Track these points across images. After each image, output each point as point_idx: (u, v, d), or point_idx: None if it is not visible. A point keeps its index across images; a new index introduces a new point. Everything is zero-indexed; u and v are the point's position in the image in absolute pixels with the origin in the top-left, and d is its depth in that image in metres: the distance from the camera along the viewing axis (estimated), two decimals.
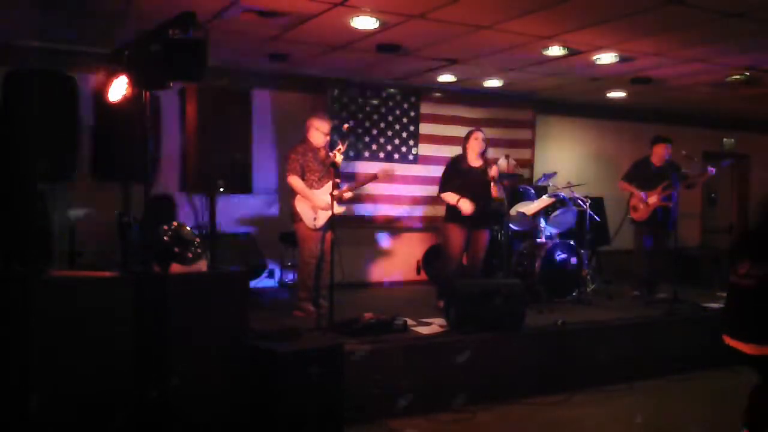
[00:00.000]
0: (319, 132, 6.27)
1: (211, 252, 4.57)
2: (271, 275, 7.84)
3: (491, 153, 8.96)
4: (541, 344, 5.76)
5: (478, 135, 6.58)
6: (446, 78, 8.30)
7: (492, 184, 6.48)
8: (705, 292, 7.80)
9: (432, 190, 6.76)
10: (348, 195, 6.45)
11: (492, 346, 5.54)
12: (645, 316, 6.69)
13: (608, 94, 9.25)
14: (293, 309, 6.34)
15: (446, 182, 6.63)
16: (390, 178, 7.17)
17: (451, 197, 6.48)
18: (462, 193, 6.45)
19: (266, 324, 5.20)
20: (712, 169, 7.66)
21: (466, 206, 6.38)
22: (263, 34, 6.34)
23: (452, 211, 6.53)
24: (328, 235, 6.11)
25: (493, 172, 6.45)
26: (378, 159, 8.65)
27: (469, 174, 6.54)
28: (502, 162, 7.93)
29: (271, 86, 8.17)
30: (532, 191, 8.00)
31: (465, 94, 9.15)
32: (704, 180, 7.82)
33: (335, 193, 5.82)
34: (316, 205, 6.10)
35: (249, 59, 7.44)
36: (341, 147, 6.23)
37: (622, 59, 7.06)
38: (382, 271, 8.88)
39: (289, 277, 7.84)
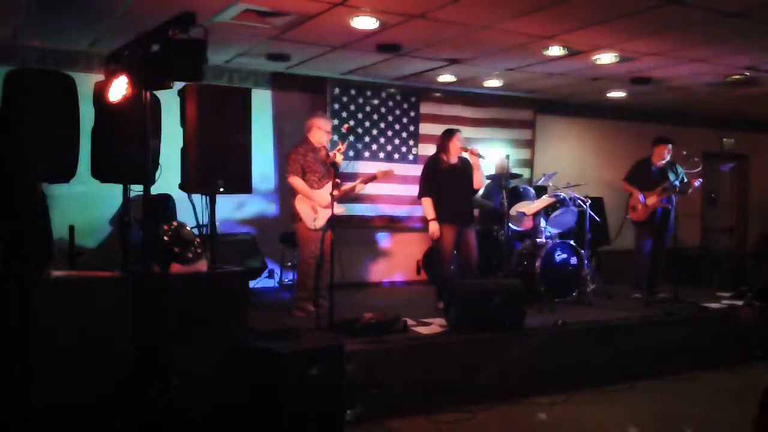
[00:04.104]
0: (321, 131, 6.27)
1: (211, 252, 4.57)
2: (271, 275, 7.84)
3: (491, 153, 9.03)
4: (541, 344, 5.76)
5: (460, 135, 6.71)
6: (446, 78, 8.30)
7: (475, 173, 6.60)
8: (705, 292, 7.80)
9: None
10: (345, 188, 6.47)
11: (492, 346, 5.55)
12: (645, 316, 6.69)
13: (608, 94, 9.26)
14: (293, 309, 6.34)
15: (426, 185, 6.66)
16: (388, 178, 7.15)
17: (429, 211, 6.54)
18: (445, 194, 6.51)
19: (266, 324, 5.20)
20: (697, 182, 7.66)
21: (434, 229, 6.49)
22: (263, 34, 6.34)
23: (440, 211, 6.55)
24: (328, 235, 6.10)
25: (474, 160, 6.59)
26: (378, 159, 8.65)
27: (450, 173, 6.59)
28: (502, 161, 7.93)
29: (271, 86, 8.17)
30: (532, 191, 8.00)
31: (465, 94, 9.16)
32: (692, 189, 7.78)
33: (335, 193, 5.82)
34: (319, 203, 6.10)
35: (249, 59, 7.44)
36: (341, 147, 6.24)
37: (622, 59, 7.06)
38: (382, 271, 8.88)
39: (289, 277, 7.84)
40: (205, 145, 4.91)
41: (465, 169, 6.66)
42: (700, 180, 7.73)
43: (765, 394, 3.94)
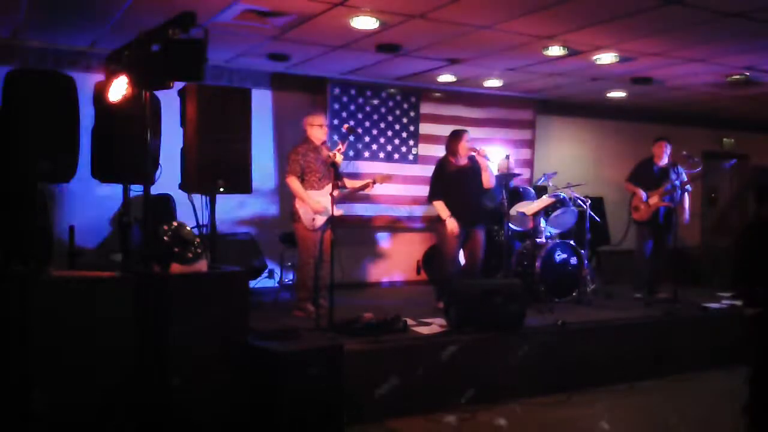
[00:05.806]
0: (315, 126, 6.27)
1: (211, 252, 4.58)
2: (271, 275, 7.84)
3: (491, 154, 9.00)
4: (541, 344, 5.76)
5: (468, 136, 6.69)
6: (446, 78, 8.30)
7: (483, 173, 6.58)
8: (705, 292, 7.80)
9: None
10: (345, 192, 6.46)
11: (492, 346, 5.55)
12: (645, 316, 6.69)
13: (608, 94, 9.25)
14: (293, 309, 6.34)
15: (435, 189, 6.65)
16: (388, 180, 7.11)
17: (442, 211, 6.50)
18: (453, 195, 6.49)
19: (266, 324, 5.21)
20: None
21: (452, 226, 6.43)
22: (263, 34, 6.34)
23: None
24: (328, 235, 6.10)
25: (481, 160, 6.55)
26: (378, 159, 8.65)
27: (459, 175, 6.58)
28: (503, 161, 7.93)
29: (271, 86, 8.17)
30: (532, 191, 8.00)
31: (465, 94, 9.15)
32: (695, 177, 7.78)
33: (335, 193, 5.81)
34: (311, 207, 6.09)
35: (249, 59, 7.44)
36: (341, 147, 6.23)
37: (622, 59, 7.06)
38: (382, 271, 8.87)
39: (289, 277, 7.84)
40: (205, 145, 4.92)
41: (474, 169, 6.61)
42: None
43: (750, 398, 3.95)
